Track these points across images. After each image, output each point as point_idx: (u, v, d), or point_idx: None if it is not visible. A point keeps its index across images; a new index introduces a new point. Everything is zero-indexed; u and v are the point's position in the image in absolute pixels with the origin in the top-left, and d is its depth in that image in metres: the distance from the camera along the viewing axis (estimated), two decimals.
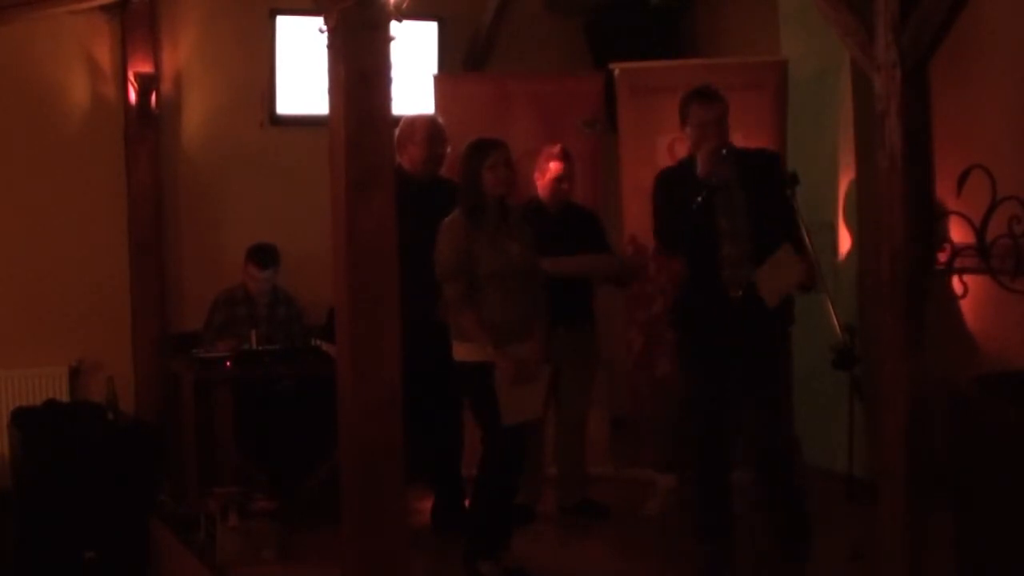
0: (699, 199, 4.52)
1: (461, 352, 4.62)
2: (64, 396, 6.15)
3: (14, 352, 6.12)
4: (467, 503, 4.95)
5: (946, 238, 4.77)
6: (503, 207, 4.68)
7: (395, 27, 3.61)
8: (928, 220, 4.78)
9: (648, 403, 5.89)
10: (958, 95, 4.73)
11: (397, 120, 5.00)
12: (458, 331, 4.61)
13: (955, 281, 4.74)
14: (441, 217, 4.67)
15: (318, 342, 5.57)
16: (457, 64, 7.01)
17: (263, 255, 6.05)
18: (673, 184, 4.67)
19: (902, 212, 4.59)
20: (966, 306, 4.78)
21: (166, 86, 6.43)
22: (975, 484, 3.97)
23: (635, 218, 5.79)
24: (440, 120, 5.45)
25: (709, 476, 4.71)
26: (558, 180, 5.38)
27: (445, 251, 4.59)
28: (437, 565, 4.78)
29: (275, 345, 5.80)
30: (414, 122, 5.34)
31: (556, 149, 5.42)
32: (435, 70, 6.69)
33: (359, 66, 3.54)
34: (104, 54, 6.33)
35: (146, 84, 6.28)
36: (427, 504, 5.40)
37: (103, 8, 6.18)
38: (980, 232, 4.50)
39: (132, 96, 6.28)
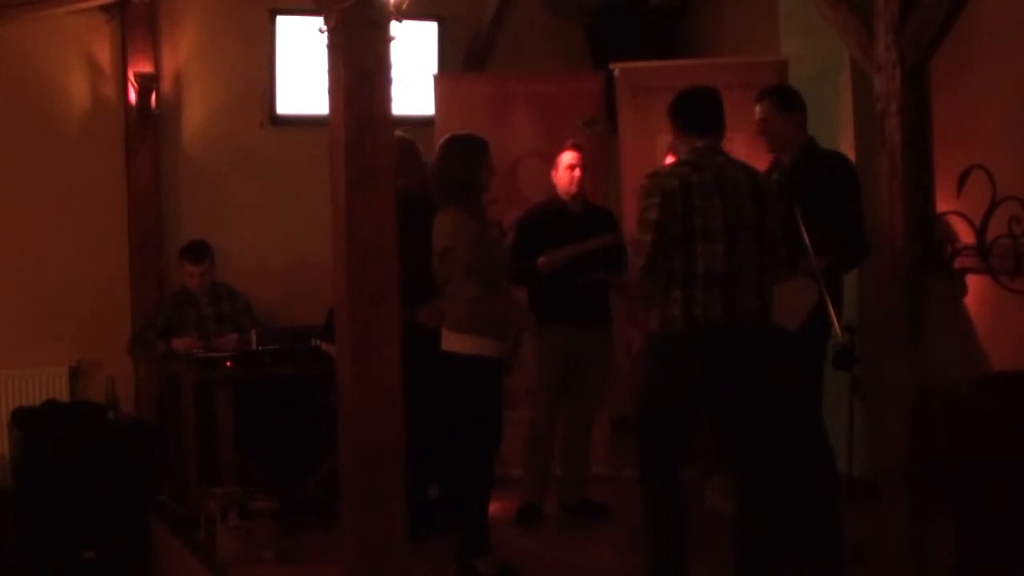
0: None
1: (468, 346, 4.52)
2: (64, 396, 6.16)
3: (14, 352, 6.12)
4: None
5: (946, 238, 4.78)
6: None
7: (395, 27, 3.62)
8: (928, 220, 4.78)
9: None
10: (958, 95, 4.73)
11: (397, 120, 4.97)
12: (482, 326, 4.50)
13: (955, 281, 4.75)
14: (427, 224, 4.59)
15: (318, 342, 5.57)
16: (457, 64, 7.01)
17: (195, 251, 6.09)
18: None
19: (902, 212, 4.60)
20: (966, 306, 4.78)
21: (166, 86, 6.43)
22: (975, 484, 3.97)
23: (634, 218, 5.77)
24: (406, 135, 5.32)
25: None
26: (571, 167, 5.38)
27: (464, 248, 4.48)
28: (437, 565, 4.77)
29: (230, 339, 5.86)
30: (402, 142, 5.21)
31: (569, 141, 5.47)
32: (435, 70, 6.69)
33: (359, 66, 3.54)
34: (104, 54, 6.33)
35: (146, 84, 6.29)
36: None
37: (103, 8, 6.19)
38: (980, 232, 4.51)
39: (132, 96, 6.29)
